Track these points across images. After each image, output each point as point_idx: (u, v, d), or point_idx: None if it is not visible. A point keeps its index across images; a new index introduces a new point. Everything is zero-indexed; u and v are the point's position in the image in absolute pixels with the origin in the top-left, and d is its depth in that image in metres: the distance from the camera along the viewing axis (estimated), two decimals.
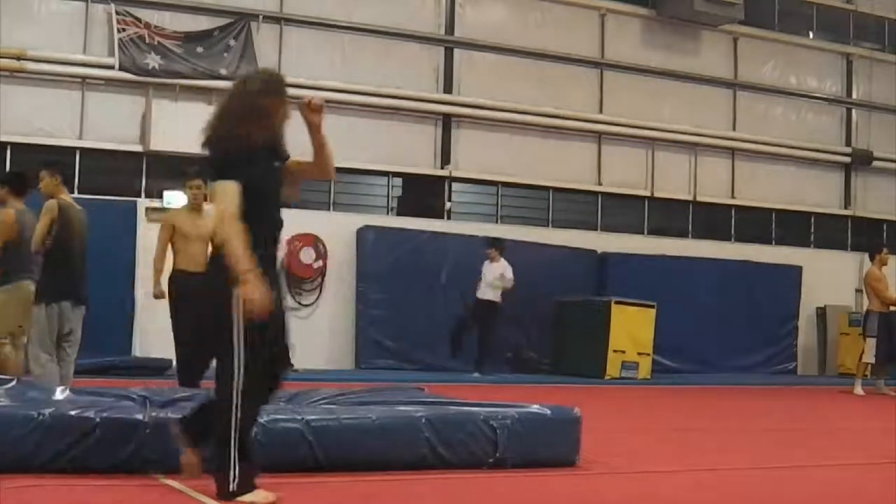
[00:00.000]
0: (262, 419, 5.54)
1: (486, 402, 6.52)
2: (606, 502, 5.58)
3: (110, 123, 15.58)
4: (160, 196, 15.70)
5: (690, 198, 19.96)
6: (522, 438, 6.07)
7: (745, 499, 5.72)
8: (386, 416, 5.95)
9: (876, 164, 21.48)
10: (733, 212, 20.54)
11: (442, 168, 17.92)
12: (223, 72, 16.04)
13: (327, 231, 16.38)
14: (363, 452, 5.72)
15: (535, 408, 6.38)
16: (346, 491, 5.31)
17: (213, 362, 6.68)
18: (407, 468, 5.74)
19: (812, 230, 21.27)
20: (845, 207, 21.55)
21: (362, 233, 16.63)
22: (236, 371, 4.75)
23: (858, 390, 14.51)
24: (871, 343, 14.70)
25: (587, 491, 5.77)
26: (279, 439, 5.53)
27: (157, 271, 9.75)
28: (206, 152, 5.32)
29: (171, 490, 5.07)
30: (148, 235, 15.42)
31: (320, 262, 16.26)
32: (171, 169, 15.93)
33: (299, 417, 5.68)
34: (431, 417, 5.94)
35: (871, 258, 15.40)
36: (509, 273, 15.62)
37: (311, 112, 5.35)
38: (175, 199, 15.70)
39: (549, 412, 6.33)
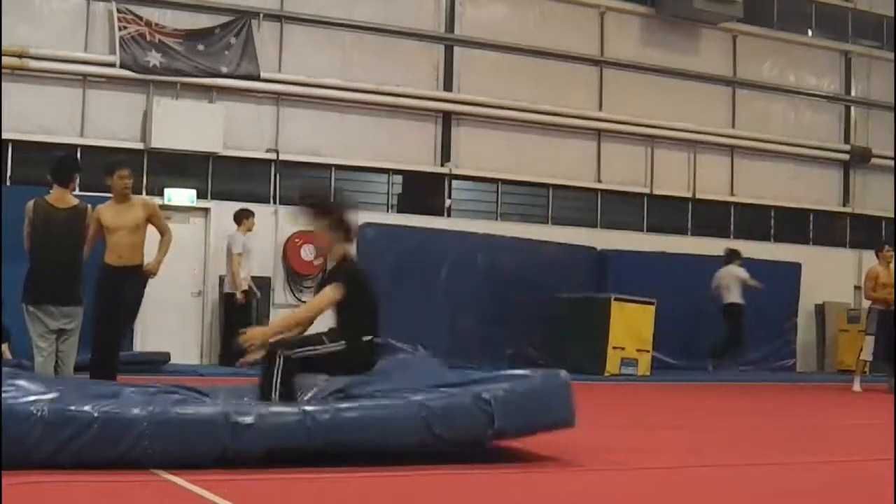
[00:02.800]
0: (259, 409, 5.62)
1: (476, 378, 6.51)
2: (606, 498, 5.62)
3: (111, 121, 15.62)
4: (161, 193, 15.74)
5: (690, 195, 20.00)
6: (517, 407, 6.11)
7: (744, 495, 5.75)
8: (381, 403, 5.97)
9: (874, 161, 21.51)
10: (732, 209, 20.58)
11: (442, 165, 17.96)
12: (224, 70, 16.08)
13: None
14: (362, 440, 5.75)
15: (523, 374, 6.49)
16: (346, 485, 5.35)
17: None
18: (407, 453, 5.76)
19: (811, 227, 21.31)
20: (844, 205, 21.60)
21: (363, 230, 16.51)
22: None
23: (857, 387, 14.52)
24: (868, 341, 14.69)
25: (587, 487, 5.80)
26: (277, 425, 5.57)
27: None
28: None
29: (171, 485, 5.10)
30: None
31: (321, 260, 16.29)
32: (173, 167, 16.01)
33: (297, 406, 5.74)
34: (425, 400, 5.97)
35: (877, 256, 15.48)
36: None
37: None
38: (176, 196, 15.79)
39: (537, 377, 6.42)
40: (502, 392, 6.11)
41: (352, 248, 6.87)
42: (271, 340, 6.41)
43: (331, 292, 6.51)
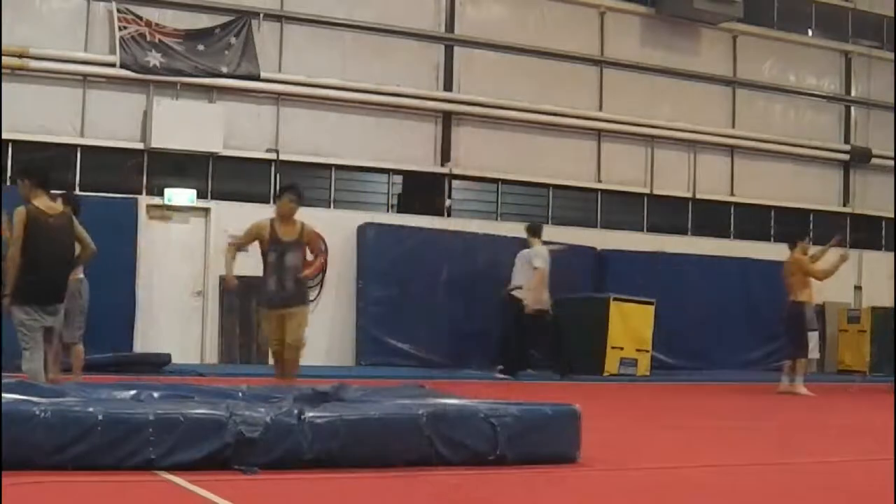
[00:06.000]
0: (267, 417, 5.60)
1: (486, 400, 6.56)
2: (606, 498, 5.62)
3: (111, 121, 15.63)
4: (161, 193, 15.76)
5: (690, 195, 20.01)
6: (522, 436, 6.09)
7: (743, 495, 5.75)
8: (387, 413, 5.98)
9: (874, 161, 21.53)
10: (732, 209, 20.59)
11: (442, 165, 17.96)
12: (224, 70, 16.09)
13: (328, 228, 16.34)
14: (364, 450, 5.75)
15: (534, 405, 6.43)
16: (345, 485, 5.36)
17: None
18: (408, 466, 5.77)
19: (811, 227, 21.31)
20: (844, 205, 21.61)
21: (363, 230, 16.66)
22: None
23: (784, 388, 14.07)
24: (814, 337, 14.40)
25: (586, 487, 5.80)
26: (281, 436, 5.57)
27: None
28: None
29: (171, 485, 5.10)
30: (149, 233, 15.55)
31: (320, 260, 16.29)
32: (173, 166, 16.02)
33: (301, 414, 5.73)
34: (432, 415, 5.97)
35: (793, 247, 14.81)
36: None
37: None
38: (176, 196, 15.80)
39: (548, 409, 6.37)
40: (510, 419, 6.09)
41: None
42: None
43: None
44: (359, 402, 6.46)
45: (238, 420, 5.48)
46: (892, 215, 21.13)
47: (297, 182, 11.21)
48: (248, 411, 5.63)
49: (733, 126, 20.47)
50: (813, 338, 14.37)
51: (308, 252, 10.15)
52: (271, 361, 10.77)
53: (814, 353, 14.47)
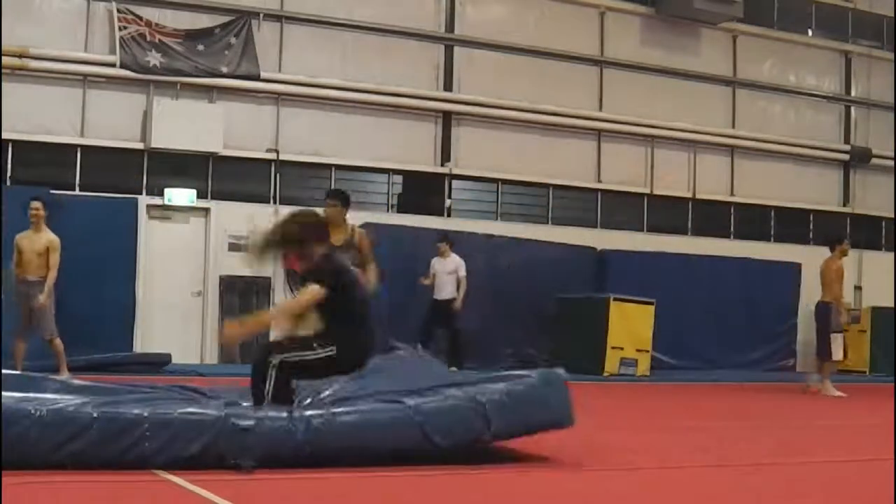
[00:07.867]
0: (263, 415, 5.60)
1: (471, 380, 6.48)
2: (605, 499, 5.62)
3: (111, 121, 15.63)
4: (161, 193, 15.76)
5: (690, 195, 20.01)
6: (513, 409, 6.07)
7: (744, 495, 5.76)
8: (376, 408, 5.96)
9: (874, 161, 21.53)
10: (732, 209, 20.58)
11: (442, 165, 17.97)
12: (224, 70, 16.09)
13: None
14: (357, 445, 5.74)
15: (518, 375, 6.41)
16: (344, 485, 5.36)
17: None
18: (404, 458, 5.76)
19: (811, 227, 21.32)
20: (844, 205, 21.61)
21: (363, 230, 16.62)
22: None
23: (832, 391, 14.14)
24: (838, 339, 14.38)
25: (585, 487, 5.80)
26: (272, 431, 5.57)
27: None
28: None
29: (171, 485, 5.10)
30: (149, 233, 15.56)
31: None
32: (173, 166, 16.01)
33: (300, 414, 5.73)
34: (420, 406, 5.94)
35: (832, 250, 15.13)
36: (463, 270, 15.52)
37: None
38: (176, 196, 15.80)
39: (534, 377, 6.36)
40: (498, 395, 6.08)
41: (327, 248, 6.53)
42: (263, 342, 6.35)
43: (311, 293, 6.17)
44: (353, 398, 6.46)
45: (233, 418, 5.49)
46: (892, 215, 21.14)
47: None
48: (244, 409, 5.64)
49: (733, 126, 20.48)
50: (837, 339, 14.31)
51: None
52: None
53: (837, 354, 14.39)
